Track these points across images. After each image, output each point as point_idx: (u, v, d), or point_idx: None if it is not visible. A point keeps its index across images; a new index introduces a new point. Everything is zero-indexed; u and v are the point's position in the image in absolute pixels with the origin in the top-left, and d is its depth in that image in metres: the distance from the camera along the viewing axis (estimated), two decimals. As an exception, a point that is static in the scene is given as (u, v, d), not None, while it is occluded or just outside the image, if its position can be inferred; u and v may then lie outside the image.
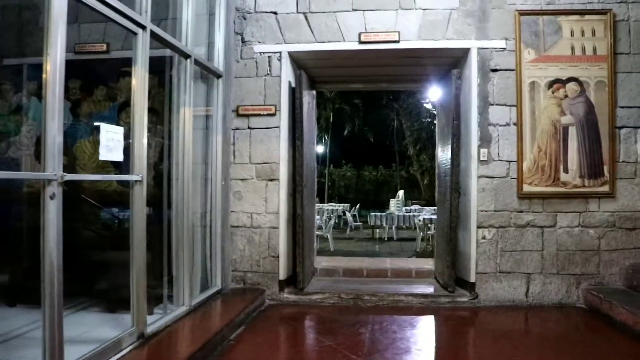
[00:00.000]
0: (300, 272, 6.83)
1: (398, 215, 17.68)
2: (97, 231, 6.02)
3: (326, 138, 30.42)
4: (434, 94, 23.57)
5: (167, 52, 5.56)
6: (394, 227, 17.57)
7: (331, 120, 29.97)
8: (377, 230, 18.56)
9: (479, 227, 6.65)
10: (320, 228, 15.65)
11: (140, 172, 4.53)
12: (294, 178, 6.90)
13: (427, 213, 18.38)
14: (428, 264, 8.41)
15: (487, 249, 6.66)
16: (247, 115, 7.03)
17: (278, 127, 6.95)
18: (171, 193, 5.63)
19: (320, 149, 30.43)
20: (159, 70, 5.73)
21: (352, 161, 31.94)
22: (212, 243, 6.64)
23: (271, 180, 6.96)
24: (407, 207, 21.82)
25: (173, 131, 5.64)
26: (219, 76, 6.70)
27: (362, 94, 29.28)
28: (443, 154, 7.33)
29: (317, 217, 15.64)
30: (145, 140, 4.58)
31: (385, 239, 17.32)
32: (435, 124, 24.34)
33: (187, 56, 5.65)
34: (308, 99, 7.31)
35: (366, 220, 18.06)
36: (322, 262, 8.45)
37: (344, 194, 31.49)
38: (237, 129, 7.06)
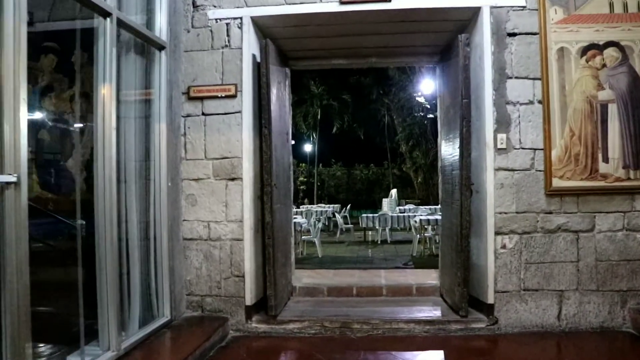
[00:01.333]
0: (272, 296, 5.37)
1: (392, 216, 16.35)
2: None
3: (314, 136, 29.10)
4: (426, 86, 22.25)
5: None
6: (387, 229, 16.25)
7: (319, 117, 28.58)
8: (370, 233, 17.21)
9: (497, 233, 5.21)
10: (308, 232, 14.25)
11: (15, 170, 3.07)
12: (262, 176, 5.44)
13: (423, 213, 17.04)
14: (431, 276, 6.97)
15: (508, 261, 5.22)
16: (201, 98, 5.56)
17: (240, 112, 5.49)
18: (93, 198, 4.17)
19: (308, 147, 29.09)
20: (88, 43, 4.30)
21: (342, 160, 30.74)
22: (158, 261, 5.17)
23: (232, 179, 5.50)
24: (401, 207, 20.50)
25: (94, 118, 4.19)
26: (161, 48, 5.22)
27: (351, 88, 27.96)
28: (448, 144, 5.90)
29: (304, 220, 14.24)
30: (23, 125, 3.12)
31: (379, 242, 15.99)
32: (429, 118, 23.00)
33: (105, 14, 4.18)
34: (278, 77, 5.85)
35: (358, 222, 16.67)
36: (302, 278, 6.97)
37: (334, 194, 30.14)
38: (188, 115, 5.60)
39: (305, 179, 29.57)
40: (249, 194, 5.46)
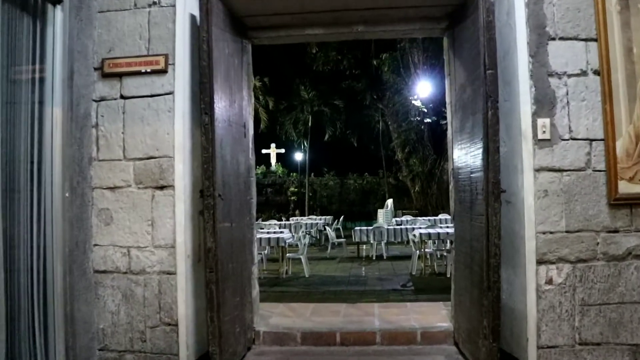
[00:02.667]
0: (216, 353, 3.73)
1: (388, 229, 14.82)
2: None
3: (305, 144, 27.52)
4: (423, 88, 20.76)
5: None
6: (383, 243, 14.67)
7: (310, 124, 27.04)
8: (364, 247, 15.61)
9: (539, 262, 3.61)
10: (296, 247, 12.68)
11: None
12: (203, 183, 3.82)
13: (422, 225, 15.49)
14: (440, 314, 5.33)
15: (557, 301, 3.61)
16: (120, 75, 3.97)
17: (171, 93, 3.90)
18: None
19: (299, 156, 27.54)
20: None
21: (334, 169, 29.17)
22: (49, 304, 3.55)
23: (161, 188, 3.89)
24: (398, 219, 18.94)
25: None
26: (56, 1, 3.63)
27: (343, 93, 26.47)
28: (463, 137, 4.30)
29: (288, 235, 12.63)
30: None
31: (373, 257, 14.48)
32: (426, 122, 21.49)
33: None
34: (229, 49, 4.25)
35: (351, 235, 15.08)
36: (270, 317, 5.30)
37: (327, 204, 28.55)
38: (102, 99, 4.00)
39: (296, 189, 27.96)
40: (183, 209, 3.84)
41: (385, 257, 14.52)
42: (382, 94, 24.75)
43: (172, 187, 3.85)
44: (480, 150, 3.71)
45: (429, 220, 17.99)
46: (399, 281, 11.19)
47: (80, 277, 3.79)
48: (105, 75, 3.96)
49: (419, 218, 18.82)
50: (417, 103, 21.59)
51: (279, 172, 29.01)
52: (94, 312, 3.93)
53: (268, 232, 14.71)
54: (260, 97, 26.38)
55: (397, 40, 22.46)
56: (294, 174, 28.75)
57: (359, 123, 27.49)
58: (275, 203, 28.19)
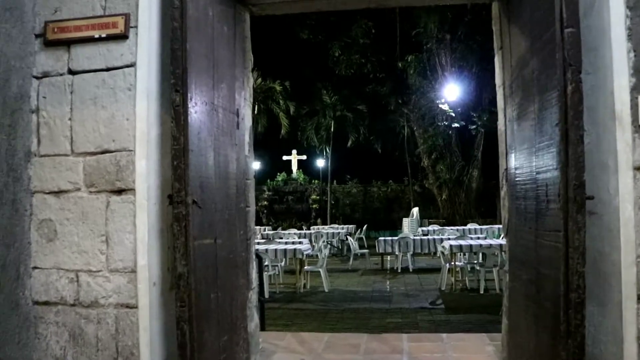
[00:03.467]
0: (190, 418, 2.73)
1: (414, 240, 13.83)
2: None
3: (327, 150, 26.54)
4: (451, 91, 19.65)
5: None
6: (409, 255, 13.58)
7: (332, 129, 26.07)
8: (389, 258, 14.56)
9: (642, 299, 2.55)
10: (315, 258, 11.76)
11: None
12: (172, 186, 2.83)
13: (451, 236, 14.38)
14: (486, 350, 4.24)
15: (667, 356, 2.53)
16: (67, 43, 3.01)
17: (132, 65, 2.93)
18: None
19: (321, 162, 26.59)
20: None
21: (357, 176, 28.21)
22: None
23: (119, 192, 2.91)
24: (424, 228, 17.91)
25: None
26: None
27: (367, 98, 25.45)
28: (522, 127, 3.24)
29: (307, 246, 11.66)
30: None
31: (399, 270, 13.56)
32: (453, 127, 20.35)
33: None
34: (213, 10, 3.23)
35: (375, 245, 14.07)
36: (274, 355, 4.27)
37: (350, 213, 27.53)
38: (45, 75, 3.04)
39: (317, 197, 26.98)
40: (147, 220, 2.86)
41: (411, 270, 13.55)
42: (408, 98, 23.68)
43: (132, 190, 2.87)
44: (552, 142, 2.66)
45: (456, 230, 16.91)
46: (427, 297, 10.16)
47: (11, 311, 2.83)
48: (49, 44, 3.01)
49: (446, 228, 17.74)
50: (445, 107, 20.48)
51: (300, 179, 28.08)
52: (34, 358, 2.97)
53: (286, 243, 13.74)
54: (281, 101, 25.55)
55: (424, 41, 21.42)
56: (316, 181, 27.79)
57: (383, 128, 26.51)
58: (296, 211, 27.30)
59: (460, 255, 11.00)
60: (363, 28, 23.06)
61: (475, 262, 10.98)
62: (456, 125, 20.85)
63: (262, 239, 17.92)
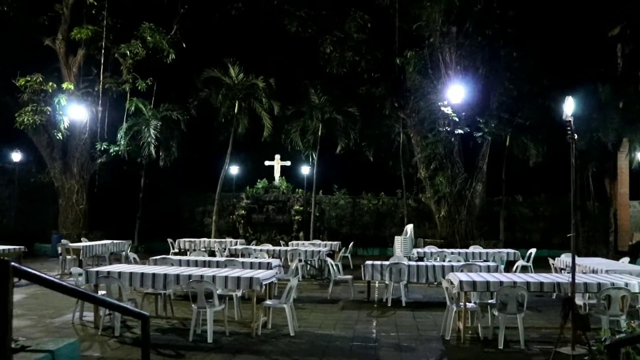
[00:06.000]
0: None
1: (409, 267, 11.11)
2: None
3: (314, 157, 23.88)
4: (455, 93, 16.93)
5: None
6: (402, 284, 10.84)
7: (319, 133, 23.40)
8: (377, 284, 11.88)
9: None
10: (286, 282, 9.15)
11: None
12: None
13: (454, 262, 11.72)
14: None
15: None
16: None
17: None
18: None
19: (306, 170, 23.94)
20: None
21: (346, 186, 25.59)
22: None
23: None
24: (420, 249, 15.27)
25: None
26: None
27: (360, 100, 22.89)
28: None
29: (271, 272, 8.94)
30: None
31: (389, 303, 10.73)
32: (457, 134, 17.51)
33: None
34: None
35: (362, 265, 11.35)
36: None
37: (336, 227, 24.97)
38: None
39: (301, 208, 24.25)
40: None
41: (404, 304, 10.89)
42: (405, 102, 21.20)
43: None
44: None
45: (458, 253, 14.24)
46: (428, 354, 7.45)
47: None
48: None
49: (445, 250, 15.11)
50: (448, 110, 17.85)
51: (283, 187, 25.37)
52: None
53: (251, 263, 11.00)
54: (264, 100, 22.88)
55: (426, 34, 18.82)
56: (300, 190, 25.11)
57: (377, 134, 24.18)
58: (276, 223, 24.70)
59: (476, 295, 8.33)
60: (357, 22, 20.56)
61: (490, 301, 8.32)
62: (460, 131, 18.23)
63: (230, 255, 15.21)
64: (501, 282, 7.82)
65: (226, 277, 8.20)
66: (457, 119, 17.95)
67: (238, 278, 8.14)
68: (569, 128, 5.51)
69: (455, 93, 17.42)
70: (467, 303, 8.01)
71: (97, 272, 8.42)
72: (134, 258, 12.53)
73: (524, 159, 21.24)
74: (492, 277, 8.17)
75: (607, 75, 21.15)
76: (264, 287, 8.13)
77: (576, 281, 8.04)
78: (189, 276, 8.22)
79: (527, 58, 18.74)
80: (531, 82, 18.96)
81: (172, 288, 8.70)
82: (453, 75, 18.43)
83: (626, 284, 7.84)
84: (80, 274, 8.61)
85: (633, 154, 19.59)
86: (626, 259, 12.58)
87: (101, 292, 8.36)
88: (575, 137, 5.73)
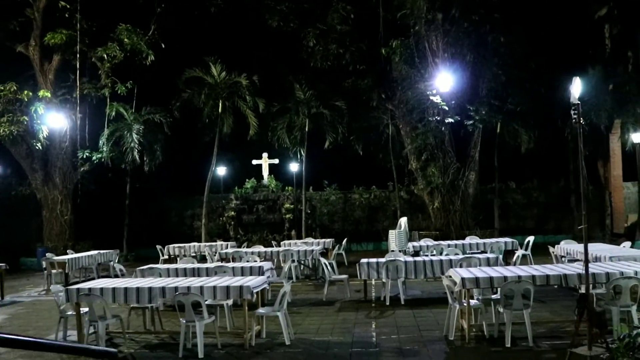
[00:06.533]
0: None
1: (406, 263, 10.71)
2: None
3: (302, 153, 23.37)
4: (443, 81, 16.49)
5: None
6: (399, 281, 10.48)
7: (306, 129, 22.91)
8: (374, 282, 11.53)
9: None
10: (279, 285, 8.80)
11: None
12: None
13: (452, 255, 11.34)
14: None
15: None
16: None
17: None
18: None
19: (294, 167, 23.52)
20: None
21: (336, 181, 25.06)
22: None
23: None
24: (415, 243, 14.87)
25: None
26: None
27: (346, 94, 22.43)
28: None
29: (261, 278, 8.55)
30: None
31: (387, 301, 10.30)
32: (447, 123, 16.86)
33: None
34: None
35: (357, 260, 10.98)
36: None
37: (328, 223, 24.51)
38: None
39: (291, 206, 23.78)
40: None
41: (403, 302, 10.49)
42: (392, 93, 20.78)
43: None
44: None
45: (455, 245, 13.91)
46: (432, 356, 7.06)
47: None
48: None
49: (442, 242, 14.80)
50: (437, 99, 17.46)
51: (272, 185, 24.88)
52: None
53: (242, 268, 10.55)
54: (248, 97, 22.34)
55: (411, 23, 18.37)
56: (289, 188, 24.63)
57: (365, 127, 23.68)
58: (267, 222, 24.22)
59: (478, 292, 7.95)
60: (340, 13, 20.07)
61: (494, 297, 7.95)
62: (450, 120, 17.86)
63: (221, 259, 14.76)
64: (505, 277, 7.43)
65: (215, 287, 7.75)
66: (446, 108, 17.56)
67: (227, 287, 7.69)
68: (575, 111, 5.08)
69: (444, 81, 17.04)
70: (469, 300, 7.62)
71: (78, 289, 7.92)
72: (120, 269, 12.07)
73: (515, 145, 20.85)
74: (495, 272, 7.78)
75: (597, 57, 20.81)
76: (255, 295, 7.69)
77: (583, 272, 7.72)
78: (176, 288, 7.78)
79: (514, 43, 18.38)
80: (519, 67, 18.60)
81: (158, 302, 8.23)
82: (440, 64, 18.02)
83: (636, 273, 7.48)
84: (60, 292, 8.12)
85: (626, 135, 19.26)
86: (628, 243, 12.28)
87: (84, 310, 7.89)
88: (582, 121, 5.30)
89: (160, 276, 10.08)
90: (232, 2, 21.92)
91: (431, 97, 17.57)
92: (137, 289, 7.92)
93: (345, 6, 19.88)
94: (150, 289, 7.90)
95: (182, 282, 8.30)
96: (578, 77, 5.31)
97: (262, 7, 21.15)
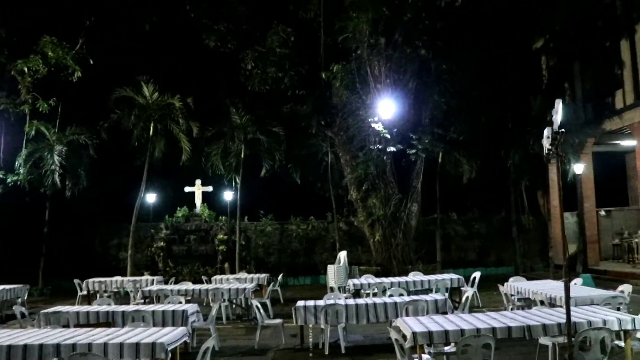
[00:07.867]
0: None
1: (347, 307, 9.59)
2: None
3: (237, 181, 22.16)
4: (385, 108, 15.65)
5: None
6: (340, 327, 9.33)
7: (242, 155, 21.73)
8: (311, 327, 10.28)
9: None
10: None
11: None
12: None
13: (397, 297, 10.37)
14: None
15: None
16: None
17: None
18: None
19: (229, 195, 22.24)
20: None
21: (273, 211, 23.87)
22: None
23: None
24: (356, 280, 13.80)
25: None
26: None
27: (284, 119, 21.50)
28: None
29: (186, 331, 7.21)
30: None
31: (326, 350, 9.06)
32: (389, 152, 15.93)
33: None
34: None
35: (294, 298, 9.73)
36: None
37: (263, 256, 23.18)
38: None
39: (225, 237, 22.42)
40: None
41: (343, 350, 9.35)
42: (332, 120, 19.96)
43: None
44: None
45: (399, 284, 12.95)
46: None
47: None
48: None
49: (384, 280, 13.86)
50: (378, 127, 16.71)
51: (205, 215, 23.44)
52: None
53: (163, 312, 9.21)
54: (181, 120, 21.00)
55: (353, 46, 17.65)
56: (223, 217, 23.25)
57: (303, 155, 22.64)
58: (199, 254, 22.72)
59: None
60: (280, 35, 19.22)
61: (448, 349, 6.98)
62: (392, 149, 17.12)
63: (144, 298, 13.29)
64: (462, 331, 6.45)
65: (121, 344, 6.41)
66: (388, 136, 16.84)
67: (137, 345, 6.38)
68: (555, 140, 4.19)
69: (386, 108, 16.36)
70: (422, 355, 6.60)
71: (-54, 348, 6.41)
72: (22, 312, 10.49)
73: (456, 175, 20.40)
74: (449, 324, 6.81)
75: (536, 88, 20.80)
76: (169, 355, 6.40)
77: (547, 322, 6.89)
78: (74, 346, 6.40)
79: (457, 71, 17.98)
80: (461, 96, 18.24)
81: (51, 362, 6.79)
82: (383, 90, 17.36)
83: (604, 321, 6.68)
84: None
85: (567, 165, 19.09)
86: (579, 280, 11.71)
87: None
88: (559, 151, 4.42)
89: (68, 323, 8.69)
90: (167, 19, 20.79)
91: (373, 125, 16.83)
92: (25, 346, 6.50)
93: (285, 28, 19.11)
94: (41, 346, 6.50)
95: (83, 336, 6.90)
96: (560, 100, 4.43)
97: (199, 26, 20.10)
